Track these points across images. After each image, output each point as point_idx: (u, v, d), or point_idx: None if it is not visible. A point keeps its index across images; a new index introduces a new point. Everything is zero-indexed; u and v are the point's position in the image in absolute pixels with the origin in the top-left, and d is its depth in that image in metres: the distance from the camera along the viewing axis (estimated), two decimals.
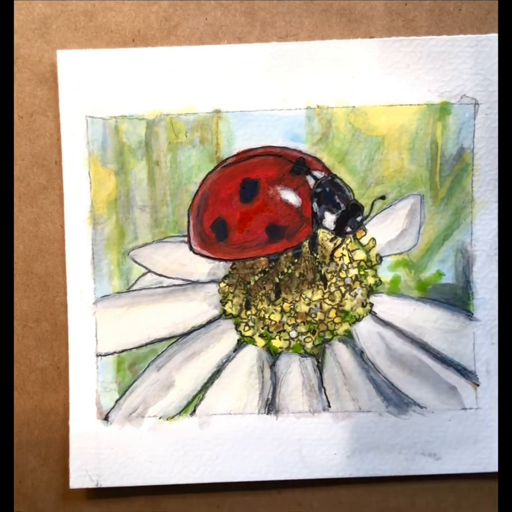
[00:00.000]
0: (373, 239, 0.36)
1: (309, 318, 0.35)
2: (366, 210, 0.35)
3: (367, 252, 0.36)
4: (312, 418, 0.35)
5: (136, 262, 0.35)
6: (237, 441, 0.35)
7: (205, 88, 0.35)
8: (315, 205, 0.35)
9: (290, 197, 0.35)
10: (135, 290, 0.35)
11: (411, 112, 0.35)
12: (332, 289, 0.36)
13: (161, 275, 0.35)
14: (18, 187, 0.35)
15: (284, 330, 0.36)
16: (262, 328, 0.36)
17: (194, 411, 0.35)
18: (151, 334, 0.35)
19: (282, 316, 0.36)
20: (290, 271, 0.36)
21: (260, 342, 0.36)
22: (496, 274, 0.35)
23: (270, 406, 0.35)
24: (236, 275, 0.36)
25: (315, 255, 0.36)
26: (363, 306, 0.36)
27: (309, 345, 0.36)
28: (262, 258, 0.36)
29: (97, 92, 0.35)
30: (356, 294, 0.36)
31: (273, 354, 0.36)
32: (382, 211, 0.35)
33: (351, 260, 0.36)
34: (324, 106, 0.35)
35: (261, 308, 0.36)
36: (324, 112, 0.35)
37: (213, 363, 0.35)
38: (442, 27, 0.35)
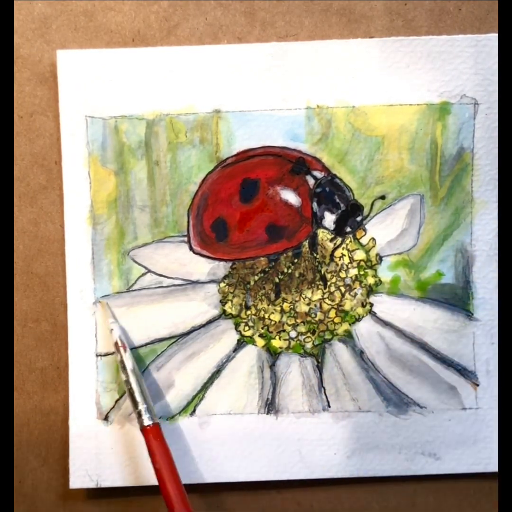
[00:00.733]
0: (373, 239, 0.36)
1: (309, 318, 0.35)
2: (366, 210, 0.35)
3: (367, 252, 0.36)
4: (312, 418, 0.35)
5: (136, 262, 0.35)
6: (237, 441, 0.35)
7: (205, 88, 0.35)
8: (315, 205, 0.35)
9: (290, 197, 0.35)
10: (135, 290, 0.35)
11: (411, 112, 0.35)
12: (332, 289, 0.36)
13: (161, 275, 0.35)
14: (18, 187, 0.35)
15: (284, 330, 0.36)
16: (262, 328, 0.36)
17: (194, 411, 0.35)
18: (151, 334, 0.35)
19: (282, 316, 0.36)
20: (290, 271, 0.36)
21: (260, 342, 0.36)
22: (496, 274, 0.35)
23: (270, 406, 0.35)
24: (236, 275, 0.36)
25: (315, 255, 0.36)
26: (363, 306, 0.36)
27: (309, 345, 0.36)
28: (262, 258, 0.36)
29: (97, 92, 0.35)
30: (356, 294, 0.36)
31: (273, 354, 0.36)
32: (382, 211, 0.35)
33: (351, 260, 0.36)
34: (324, 106, 0.35)
35: (261, 308, 0.36)
36: (324, 112, 0.35)
37: (213, 363, 0.35)
38: (442, 27, 0.35)
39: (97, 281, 0.35)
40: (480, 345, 0.35)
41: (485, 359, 0.35)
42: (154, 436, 0.32)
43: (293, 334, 0.36)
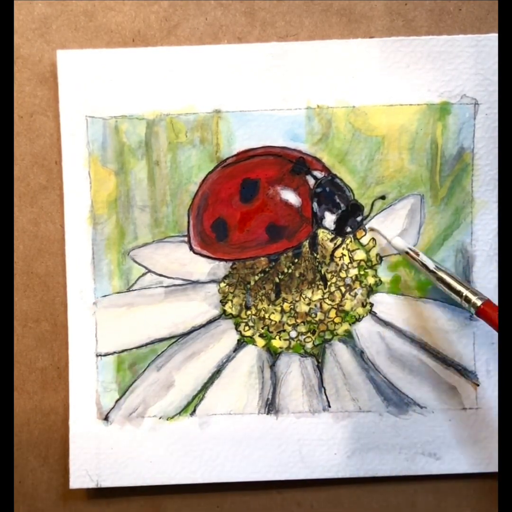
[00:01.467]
0: (373, 239, 0.36)
1: (309, 318, 0.35)
2: (366, 210, 0.35)
3: (367, 252, 0.36)
4: (312, 418, 0.35)
5: (136, 262, 0.35)
6: (237, 441, 0.35)
7: (205, 88, 0.35)
8: (315, 205, 0.35)
9: (290, 197, 0.35)
10: (135, 290, 0.35)
11: (411, 112, 0.35)
12: (332, 289, 0.36)
13: (161, 275, 0.35)
14: (18, 187, 0.35)
15: (284, 330, 0.36)
16: (262, 328, 0.36)
17: (194, 411, 0.35)
18: (151, 334, 0.35)
19: (282, 316, 0.36)
20: (290, 271, 0.36)
21: (260, 342, 0.36)
22: (496, 274, 0.35)
23: (270, 406, 0.35)
24: (236, 275, 0.36)
25: (315, 255, 0.36)
26: (363, 306, 0.36)
27: (309, 345, 0.36)
28: (262, 258, 0.36)
29: (97, 92, 0.35)
30: (356, 294, 0.36)
31: (273, 354, 0.36)
32: (382, 211, 0.35)
33: (351, 260, 0.36)
34: (324, 106, 0.35)
35: (261, 308, 0.36)
36: (324, 112, 0.35)
37: (213, 363, 0.35)
38: (442, 27, 0.35)
39: (97, 281, 0.35)
40: (480, 345, 0.35)
41: (485, 359, 0.35)
42: (492, 309, 0.32)
43: (293, 334, 0.36)
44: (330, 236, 0.36)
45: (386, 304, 0.36)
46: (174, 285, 0.35)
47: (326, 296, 0.36)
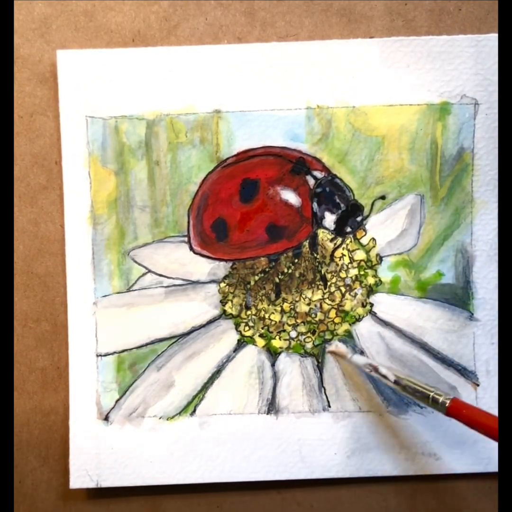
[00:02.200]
0: (373, 239, 0.36)
1: (309, 318, 0.35)
2: (366, 210, 0.35)
3: (367, 252, 0.36)
4: (312, 418, 0.35)
5: (136, 262, 0.35)
6: (237, 441, 0.35)
7: (205, 88, 0.35)
8: (315, 205, 0.35)
9: (290, 197, 0.35)
10: (135, 290, 0.35)
11: (411, 112, 0.35)
12: (332, 289, 0.36)
13: (161, 275, 0.35)
14: (18, 187, 0.35)
15: (284, 330, 0.36)
16: (262, 328, 0.36)
17: (194, 411, 0.35)
18: (151, 334, 0.35)
19: (282, 316, 0.36)
20: (290, 271, 0.36)
21: (260, 342, 0.36)
22: (496, 274, 0.35)
23: (270, 406, 0.35)
24: (236, 275, 0.36)
25: (315, 255, 0.36)
26: (363, 306, 0.36)
27: (309, 345, 0.36)
28: (262, 258, 0.36)
29: (97, 92, 0.35)
30: (356, 294, 0.36)
31: (273, 354, 0.36)
32: (382, 211, 0.35)
33: (351, 260, 0.36)
34: (324, 106, 0.35)
35: (261, 308, 0.36)
36: (324, 112, 0.35)
37: (213, 363, 0.35)
38: (442, 27, 0.35)
39: (97, 281, 0.35)
40: (480, 345, 0.35)
41: (485, 359, 0.35)
42: (461, 406, 0.31)
43: (293, 334, 0.36)
44: (330, 236, 0.36)
45: (386, 304, 0.36)
46: (174, 285, 0.35)
47: (326, 296, 0.36)
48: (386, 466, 0.35)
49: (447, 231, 0.35)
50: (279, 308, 0.36)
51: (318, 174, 0.35)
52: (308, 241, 0.35)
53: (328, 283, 0.36)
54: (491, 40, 0.35)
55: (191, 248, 0.35)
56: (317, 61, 0.35)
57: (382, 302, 0.36)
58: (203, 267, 0.35)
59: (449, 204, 0.35)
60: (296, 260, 0.35)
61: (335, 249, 0.36)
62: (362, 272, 0.36)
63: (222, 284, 0.36)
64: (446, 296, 0.35)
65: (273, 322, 0.36)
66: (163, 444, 0.35)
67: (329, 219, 0.35)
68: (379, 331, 0.35)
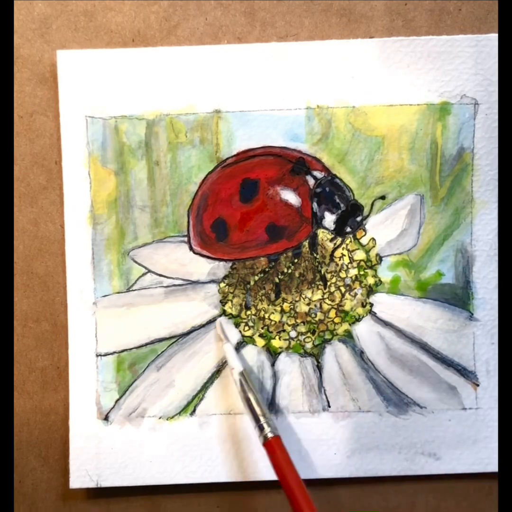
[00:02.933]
0: (373, 239, 0.36)
1: (309, 318, 0.35)
2: (366, 210, 0.35)
3: (367, 252, 0.36)
4: (312, 418, 0.35)
5: (136, 262, 0.35)
6: (237, 441, 0.35)
7: (205, 88, 0.35)
8: (315, 205, 0.35)
9: (290, 197, 0.35)
10: (135, 290, 0.35)
11: (411, 112, 0.35)
12: (332, 289, 0.36)
13: (161, 275, 0.35)
14: (18, 187, 0.35)
15: (284, 330, 0.36)
16: (262, 328, 0.36)
17: (194, 411, 0.35)
18: (151, 334, 0.35)
19: (282, 316, 0.36)
20: (290, 271, 0.35)
21: (260, 342, 0.36)
22: (496, 274, 0.35)
23: (270, 406, 0.35)
24: (236, 275, 0.36)
25: (315, 255, 0.36)
26: (363, 306, 0.36)
27: (309, 345, 0.36)
28: (262, 258, 0.36)
29: (97, 92, 0.35)
30: (356, 294, 0.36)
31: (273, 354, 0.36)
32: (382, 211, 0.35)
33: (351, 260, 0.36)
34: (324, 106, 0.35)
35: (261, 308, 0.36)
36: (324, 112, 0.35)
37: (213, 363, 0.35)
38: (442, 27, 0.35)
39: (97, 281, 0.35)
40: (480, 345, 0.35)
41: (485, 359, 0.35)
42: (278, 448, 0.32)
43: (293, 334, 0.36)
44: (330, 236, 0.36)
45: (386, 304, 0.36)
46: (174, 285, 0.35)
47: (326, 296, 0.35)
48: (386, 466, 0.35)
49: (447, 231, 0.35)
50: (279, 308, 0.36)
51: (318, 174, 0.35)
52: (308, 241, 0.35)
53: (328, 283, 0.36)
54: (491, 40, 0.35)
55: (191, 248, 0.35)
56: (317, 61, 0.35)
57: (382, 302, 0.36)
58: (203, 267, 0.35)
59: (449, 204, 0.35)
60: (296, 260, 0.35)
61: (335, 249, 0.36)
62: (362, 272, 0.36)
63: (222, 284, 0.36)
64: (446, 296, 0.35)
65: (273, 322, 0.36)
66: (163, 444, 0.35)
67: (329, 219, 0.35)
68: (379, 331, 0.35)
